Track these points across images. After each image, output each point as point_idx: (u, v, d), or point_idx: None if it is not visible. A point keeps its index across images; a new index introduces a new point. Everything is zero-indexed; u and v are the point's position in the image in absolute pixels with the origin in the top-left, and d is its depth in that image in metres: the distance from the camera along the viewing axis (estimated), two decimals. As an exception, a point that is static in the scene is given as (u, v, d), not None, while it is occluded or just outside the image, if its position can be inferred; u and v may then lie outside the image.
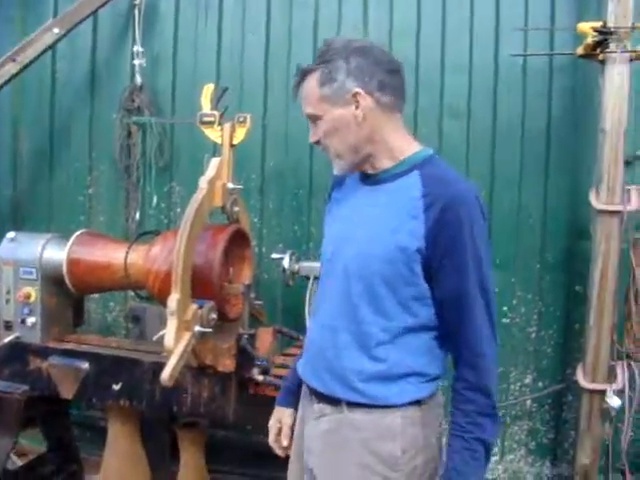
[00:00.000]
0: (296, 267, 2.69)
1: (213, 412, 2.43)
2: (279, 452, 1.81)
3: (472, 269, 1.42)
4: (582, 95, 2.94)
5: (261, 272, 3.18)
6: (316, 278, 2.66)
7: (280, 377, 2.33)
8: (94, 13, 3.16)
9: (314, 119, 1.54)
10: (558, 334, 3.05)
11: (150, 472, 2.88)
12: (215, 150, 3.07)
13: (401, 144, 1.55)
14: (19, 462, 3.16)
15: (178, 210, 3.28)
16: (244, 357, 2.30)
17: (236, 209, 2.47)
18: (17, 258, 2.60)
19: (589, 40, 2.54)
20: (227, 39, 3.23)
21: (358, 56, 1.48)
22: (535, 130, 2.99)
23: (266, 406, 2.32)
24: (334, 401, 1.55)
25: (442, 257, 1.42)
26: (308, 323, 2.66)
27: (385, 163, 1.55)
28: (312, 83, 1.52)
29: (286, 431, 1.79)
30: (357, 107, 1.49)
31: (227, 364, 2.39)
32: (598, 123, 2.68)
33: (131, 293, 3.29)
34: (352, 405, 1.52)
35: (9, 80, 3.03)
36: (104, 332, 3.38)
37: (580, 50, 2.63)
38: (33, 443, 3.31)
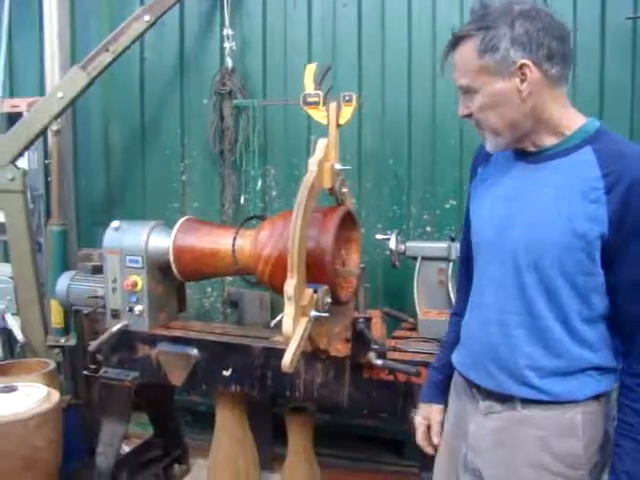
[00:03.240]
0: (402, 247, 2.62)
1: (327, 397, 2.40)
2: (429, 450, 1.74)
3: None
4: None
5: (362, 254, 3.13)
6: (424, 259, 2.59)
7: (395, 360, 2.29)
8: (182, -2, 3.14)
9: (468, 91, 1.41)
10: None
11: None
12: (310, 131, 3.06)
13: (567, 118, 1.40)
14: (124, 446, 3.23)
15: (273, 193, 3.26)
16: (360, 341, 2.25)
17: (344, 190, 2.41)
18: (123, 246, 2.60)
19: None
20: (317, 15, 3.16)
21: (525, 21, 1.32)
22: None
23: (381, 390, 2.31)
24: (506, 398, 1.47)
25: (626, 242, 1.30)
26: (418, 307, 2.60)
27: (549, 140, 1.41)
28: (469, 51, 1.36)
29: (437, 429, 1.71)
30: (523, 80, 1.34)
31: (339, 348, 2.36)
32: None
33: (228, 278, 3.31)
34: (527, 401, 1.44)
35: (104, 70, 3.05)
36: (202, 318, 3.41)
37: None
38: (136, 428, 3.38)
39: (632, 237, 1.30)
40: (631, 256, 1.31)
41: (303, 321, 2.10)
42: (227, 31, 3.15)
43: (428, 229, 3.06)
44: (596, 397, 1.41)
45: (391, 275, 2.97)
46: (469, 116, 1.44)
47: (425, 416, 1.74)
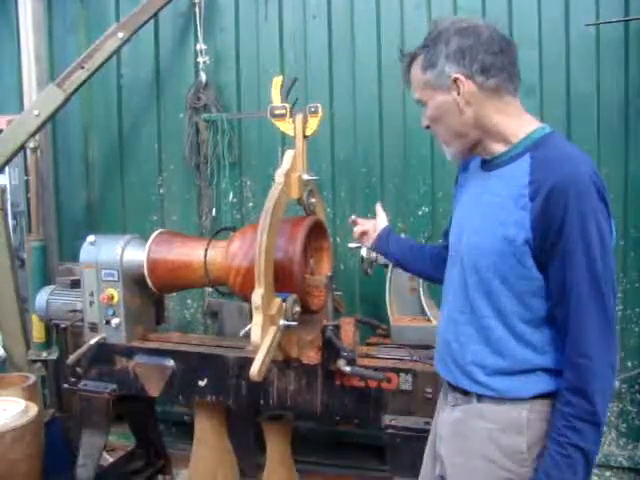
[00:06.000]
0: (374, 255, 2.65)
1: (300, 405, 2.43)
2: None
3: (580, 259, 1.32)
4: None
5: (337, 262, 3.16)
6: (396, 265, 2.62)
7: (366, 367, 2.32)
8: (156, 15, 3.19)
9: (422, 105, 1.53)
10: (646, 311, 2.94)
11: (237, 464, 2.91)
12: (284, 142, 3.09)
13: (514, 127, 1.47)
14: (109, 458, 3.25)
15: (250, 205, 3.30)
16: (329, 349, 2.29)
17: (312, 200, 2.44)
18: (98, 261, 2.64)
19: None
20: (289, 28, 3.22)
21: (460, 38, 1.43)
22: (612, 101, 2.86)
23: (353, 396, 2.34)
24: (465, 391, 1.54)
25: (551, 247, 1.34)
26: (390, 314, 2.63)
27: (498, 148, 1.49)
28: (416, 68, 1.50)
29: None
30: (458, 93, 1.44)
31: (312, 356, 2.38)
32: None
33: (208, 289, 3.34)
34: (481, 396, 1.50)
35: (79, 86, 3.09)
36: (183, 329, 3.44)
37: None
38: (122, 439, 3.40)
39: (554, 243, 1.34)
40: (555, 262, 1.35)
41: (272, 330, 2.13)
42: (200, 46, 3.20)
43: (402, 236, 3.08)
44: (545, 396, 1.44)
45: (367, 283, 3.00)
46: (429, 127, 1.56)
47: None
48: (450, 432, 1.59)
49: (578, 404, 1.34)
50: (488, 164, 1.53)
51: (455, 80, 1.43)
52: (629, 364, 2.96)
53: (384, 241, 2.07)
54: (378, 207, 2.20)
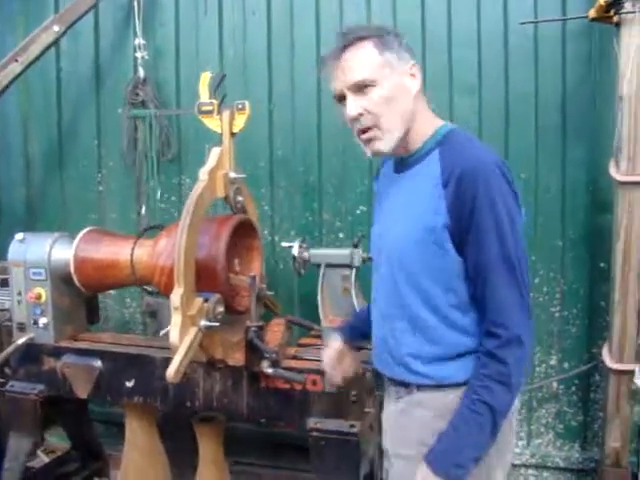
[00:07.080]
0: (306, 255, 2.62)
1: (226, 406, 2.39)
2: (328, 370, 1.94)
3: (492, 241, 1.39)
4: (598, 61, 2.79)
5: (276, 262, 3.13)
6: (328, 266, 2.59)
7: (291, 369, 2.29)
8: (94, 8, 3.12)
9: (363, 87, 1.47)
10: (582, 313, 2.93)
11: (171, 467, 2.87)
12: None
13: (427, 126, 1.54)
14: (46, 460, 3.19)
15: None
16: (253, 350, 2.25)
17: (240, 199, 2.40)
18: (26, 259, 2.58)
19: (601, 1, 2.40)
20: (229, 24, 3.16)
21: (400, 36, 1.52)
22: (550, 101, 2.86)
23: (278, 398, 2.31)
24: (405, 383, 1.58)
25: (465, 230, 1.40)
26: (322, 315, 2.61)
27: (414, 145, 1.54)
28: (369, 49, 1.47)
29: (329, 353, 1.91)
30: (413, 80, 1.50)
31: (237, 358, 2.34)
32: (616, 90, 2.55)
33: (147, 288, 3.28)
34: (421, 385, 1.54)
35: (13, 80, 3.02)
36: (122, 329, 3.39)
37: (592, 13, 2.49)
38: (62, 441, 3.33)
39: (467, 225, 1.40)
40: (471, 242, 1.41)
41: (192, 331, 2.09)
42: (139, 41, 3.14)
43: (340, 235, 3.07)
44: None
45: (306, 283, 2.96)
46: (358, 117, 1.48)
47: (328, 344, 1.95)
48: (392, 424, 1.65)
49: (492, 366, 1.41)
50: (402, 165, 1.57)
51: (412, 66, 1.50)
52: (566, 365, 2.96)
53: (353, 338, 1.93)
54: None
